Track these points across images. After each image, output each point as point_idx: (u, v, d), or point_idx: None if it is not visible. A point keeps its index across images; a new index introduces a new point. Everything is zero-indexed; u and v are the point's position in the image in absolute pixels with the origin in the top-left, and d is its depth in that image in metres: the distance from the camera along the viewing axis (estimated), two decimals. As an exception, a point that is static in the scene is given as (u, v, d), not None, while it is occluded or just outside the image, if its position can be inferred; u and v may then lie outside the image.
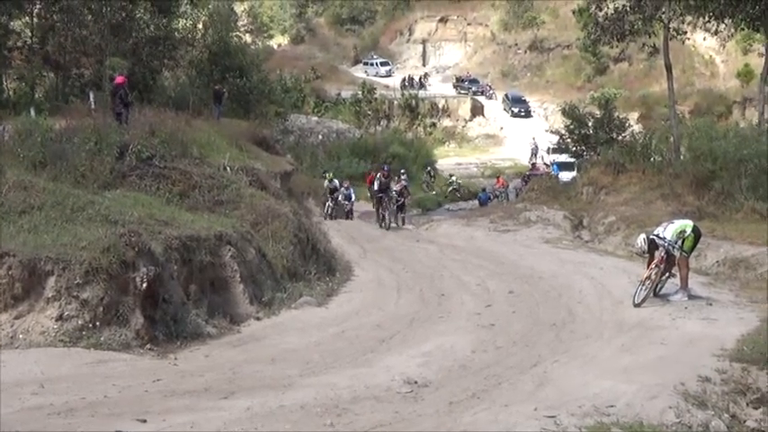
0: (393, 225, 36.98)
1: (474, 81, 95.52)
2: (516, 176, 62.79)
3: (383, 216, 36.78)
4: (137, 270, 14.78)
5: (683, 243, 19.21)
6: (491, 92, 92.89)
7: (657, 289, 19.38)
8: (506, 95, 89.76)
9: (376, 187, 37.55)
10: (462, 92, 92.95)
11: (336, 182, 45.06)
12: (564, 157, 58.89)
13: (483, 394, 13.00)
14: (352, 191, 44.84)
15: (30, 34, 40.60)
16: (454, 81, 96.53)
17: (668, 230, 19.43)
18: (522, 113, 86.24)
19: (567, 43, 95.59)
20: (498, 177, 62.06)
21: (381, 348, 16.21)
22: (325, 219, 39.86)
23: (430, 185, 62.58)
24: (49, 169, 19.86)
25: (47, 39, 40.18)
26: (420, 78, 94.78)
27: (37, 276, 14.12)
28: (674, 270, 19.53)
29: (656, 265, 18.98)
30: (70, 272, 14.09)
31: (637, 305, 18.65)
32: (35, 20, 40.48)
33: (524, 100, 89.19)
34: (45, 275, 14.08)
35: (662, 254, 19.12)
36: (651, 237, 19.48)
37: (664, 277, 19.35)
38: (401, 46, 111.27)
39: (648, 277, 18.97)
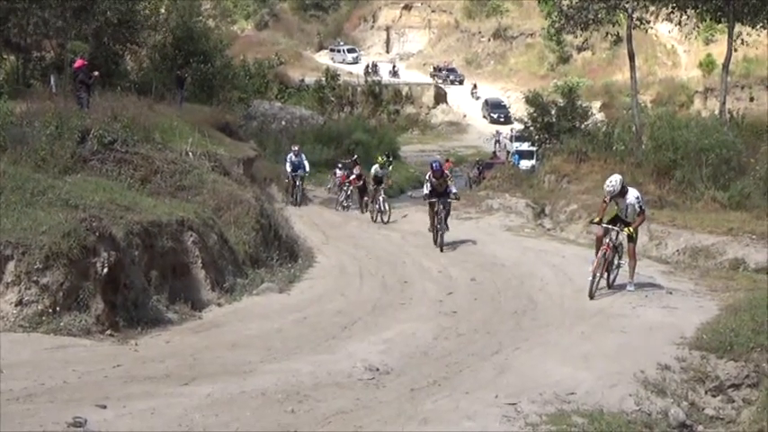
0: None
1: (452, 70, 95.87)
2: (473, 164, 61.66)
3: (436, 228, 27.19)
4: (97, 255, 14.67)
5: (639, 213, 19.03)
6: (475, 91, 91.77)
7: (611, 280, 19.29)
8: (486, 101, 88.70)
9: (426, 190, 27.88)
10: (440, 81, 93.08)
11: (390, 169, 37.90)
12: (525, 146, 58.90)
13: (444, 381, 13.03)
14: (303, 157, 39.50)
15: (-10, 16, 40.17)
16: (432, 70, 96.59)
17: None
18: (502, 119, 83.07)
19: (531, 32, 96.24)
20: (447, 161, 61.40)
21: (343, 335, 16.21)
22: (376, 220, 34.78)
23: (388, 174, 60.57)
24: (9, 153, 19.63)
25: (8, 20, 39.72)
26: (393, 67, 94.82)
27: (-4, 261, 14.00)
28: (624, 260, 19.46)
29: (603, 253, 18.64)
30: (30, 256, 13.95)
31: (592, 297, 18.50)
32: (-5, 1, 40.06)
33: (504, 105, 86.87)
34: (4, 260, 13.92)
35: (607, 241, 18.76)
36: (625, 186, 18.99)
37: (614, 265, 19.18)
38: (365, 32, 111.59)
39: (597, 266, 18.66)
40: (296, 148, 39.90)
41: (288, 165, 38.95)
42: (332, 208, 40.31)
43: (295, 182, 38.59)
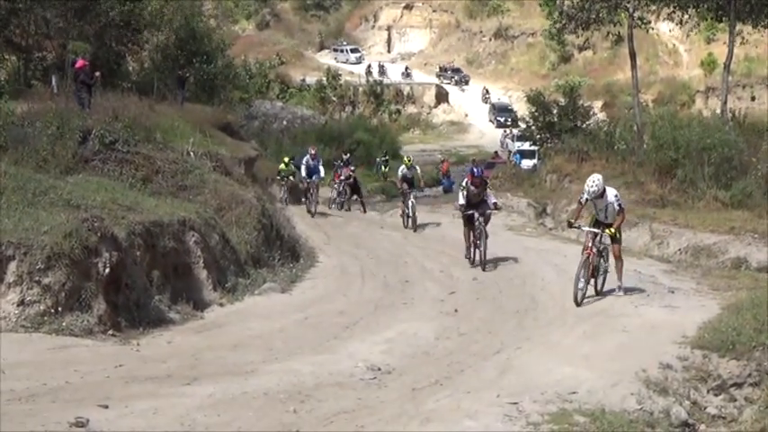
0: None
1: (457, 70, 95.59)
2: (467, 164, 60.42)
3: (475, 246, 23.76)
4: (99, 255, 14.68)
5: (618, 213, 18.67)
6: (488, 96, 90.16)
7: (600, 286, 18.70)
8: (492, 105, 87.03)
9: (462, 201, 23.85)
10: (446, 81, 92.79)
11: (418, 169, 34.45)
12: (526, 145, 58.71)
13: (446, 381, 13.04)
14: (320, 161, 35.81)
15: (-9, 16, 40.07)
16: (437, 70, 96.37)
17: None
18: (509, 123, 79.47)
19: (532, 31, 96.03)
20: (445, 161, 60.81)
21: (345, 335, 16.22)
22: (407, 226, 31.85)
23: (385, 174, 58.61)
24: (11, 153, 19.63)
25: (9, 21, 39.66)
26: (406, 68, 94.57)
27: (-2, 261, 14.00)
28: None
29: (585, 257, 17.96)
30: (32, 257, 13.95)
31: (578, 304, 17.93)
32: (-4, 1, 39.97)
33: (510, 109, 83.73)
34: (6, 260, 13.93)
35: (588, 243, 18.14)
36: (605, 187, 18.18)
37: (601, 270, 18.54)
38: (366, 32, 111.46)
39: (579, 271, 18.05)
40: (313, 151, 36.05)
41: (303, 169, 35.30)
42: (333, 208, 40.22)
43: (309, 188, 35.43)
